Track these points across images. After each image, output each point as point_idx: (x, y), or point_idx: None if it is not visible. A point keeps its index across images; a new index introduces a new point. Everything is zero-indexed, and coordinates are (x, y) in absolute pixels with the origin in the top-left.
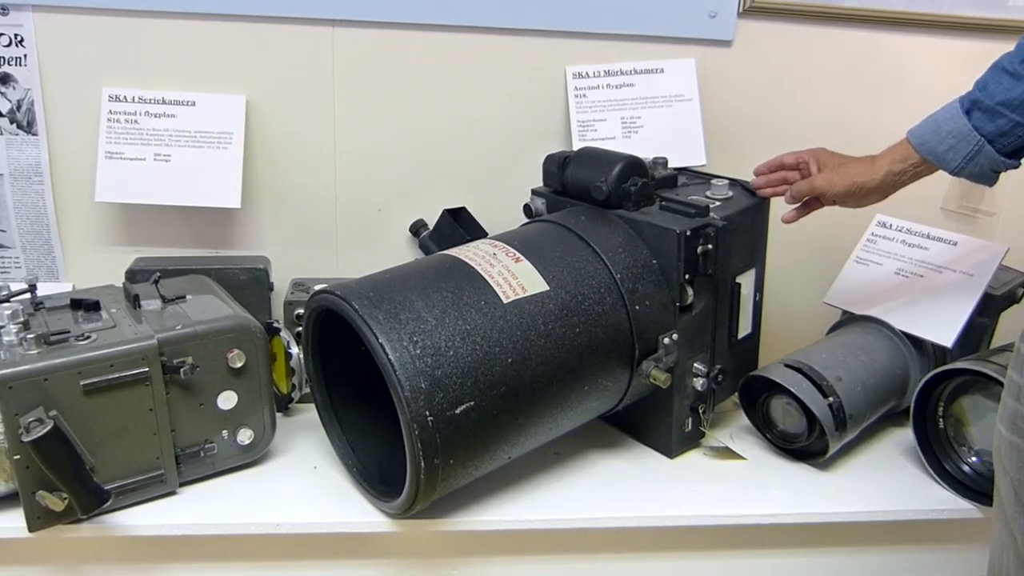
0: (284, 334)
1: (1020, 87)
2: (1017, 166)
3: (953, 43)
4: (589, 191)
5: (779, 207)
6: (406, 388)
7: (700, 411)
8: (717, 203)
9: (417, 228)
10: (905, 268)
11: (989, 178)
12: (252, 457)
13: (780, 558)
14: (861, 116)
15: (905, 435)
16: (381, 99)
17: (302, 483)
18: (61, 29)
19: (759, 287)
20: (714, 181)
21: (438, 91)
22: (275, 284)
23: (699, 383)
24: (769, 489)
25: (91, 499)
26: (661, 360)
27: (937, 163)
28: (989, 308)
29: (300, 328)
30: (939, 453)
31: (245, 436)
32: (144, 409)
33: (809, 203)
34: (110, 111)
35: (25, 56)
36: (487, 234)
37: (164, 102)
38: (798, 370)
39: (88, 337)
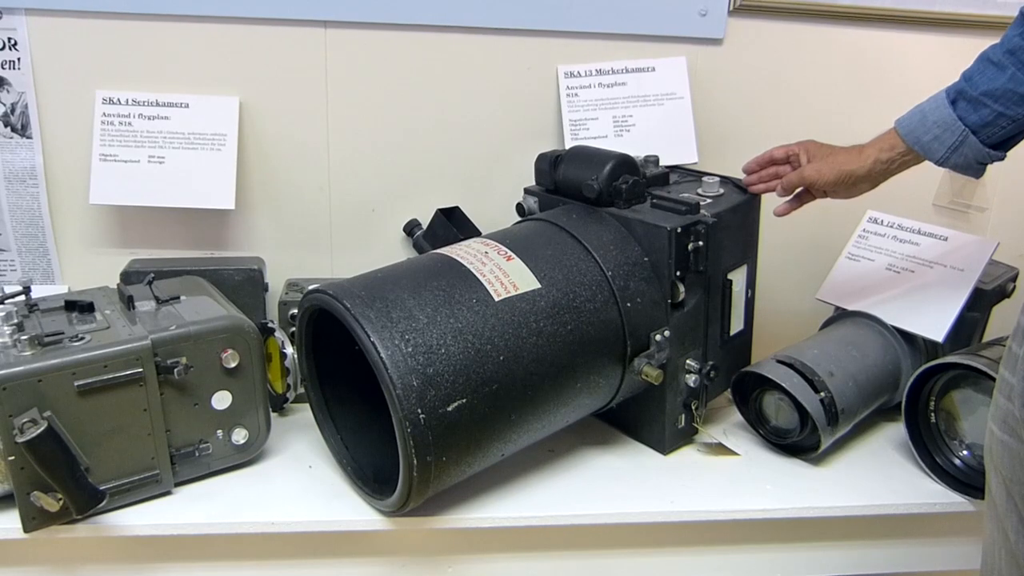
0: (279, 334)
1: (1003, 77)
2: (1003, 158)
3: (943, 39)
4: (581, 189)
5: (770, 203)
6: (398, 386)
7: (693, 407)
8: (708, 200)
9: (411, 228)
10: (896, 264)
11: (975, 169)
12: (247, 457)
13: (774, 553)
14: (852, 113)
15: (897, 430)
16: (374, 99)
17: (297, 482)
18: (54, 32)
19: (751, 284)
20: (705, 179)
21: (430, 91)
22: (270, 284)
23: (691, 379)
24: (762, 484)
25: (86, 500)
26: (653, 357)
27: (922, 153)
28: (980, 303)
29: (295, 328)
30: (931, 447)
31: (240, 436)
32: (138, 409)
33: (801, 196)
34: (104, 113)
35: (19, 59)
36: (480, 233)
37: (157, 104)
38: (790, 366)
39: (82, 338)
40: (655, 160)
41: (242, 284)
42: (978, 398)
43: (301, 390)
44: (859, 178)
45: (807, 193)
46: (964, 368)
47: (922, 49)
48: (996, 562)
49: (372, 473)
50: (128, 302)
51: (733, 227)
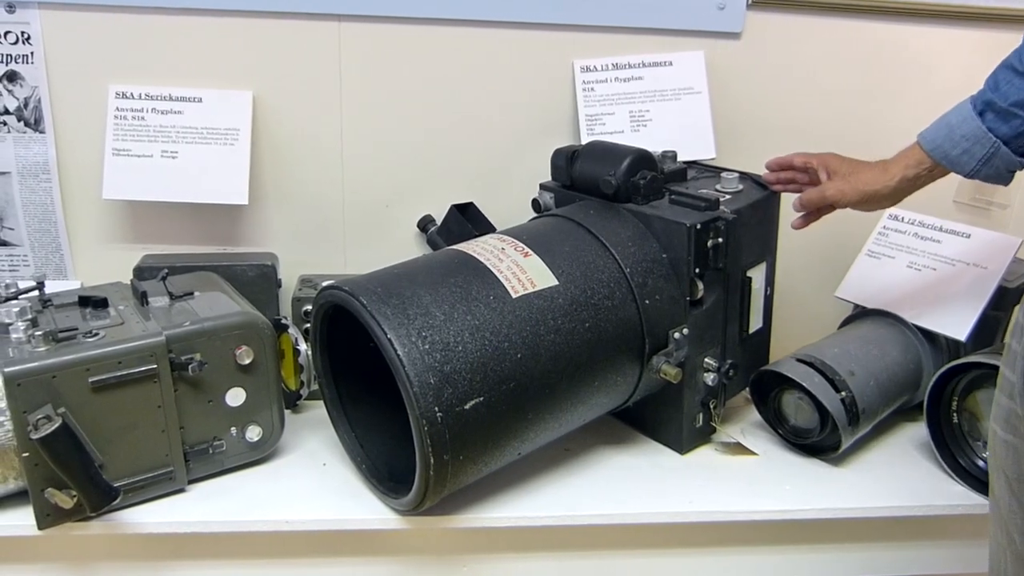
0: (292, 331)
1: None
2: None
3: (965, 33)
4: (598, 185)
5: (789, 205)
6: (415, 384)
7: (711, 406)
8: (727, 196)
9: (425, 224)
10: (918, 261)
11: (1004, 178)
12: (261, 454)
13: (792, 554)
14: (872, 108)
15: (919, 430)
16: (388, 94)
17: (311, 480)
18: (67, 26)
19: (770, 281)
20: (724, 174)
21: (445, 86)
22: (283, 280)
23: (710, 378)
24: (781, 485)
25: (100, 496)
26: (671, 355)
27: (951, 167)
28: (1003, 301)
29: (308, 324)
30: (953, 448)
31: (254, 433)
32: (152, 406)
33: (819, 208)
34: (117, 108)
35: (32, 53)
36: (495, 229)
37: (171, 99)
38: (810, 365)
39: (96, 334)
40: (673, 155)
41: (255, 280)
42: None
43: (315, 387)
44: (883, 197)
45: (826, 207)
46: (988, 368)
47: (945, 43)
48: (1003, 566)
49: (387, 471)
50: (142, 298)
51: (752, 224)
